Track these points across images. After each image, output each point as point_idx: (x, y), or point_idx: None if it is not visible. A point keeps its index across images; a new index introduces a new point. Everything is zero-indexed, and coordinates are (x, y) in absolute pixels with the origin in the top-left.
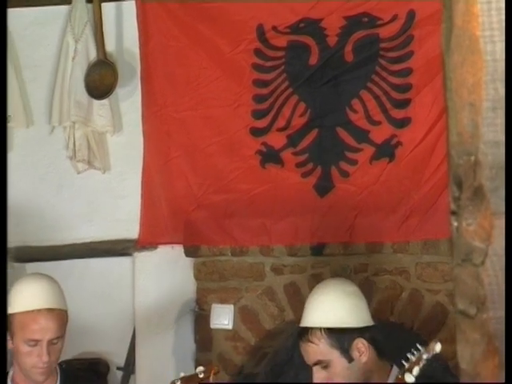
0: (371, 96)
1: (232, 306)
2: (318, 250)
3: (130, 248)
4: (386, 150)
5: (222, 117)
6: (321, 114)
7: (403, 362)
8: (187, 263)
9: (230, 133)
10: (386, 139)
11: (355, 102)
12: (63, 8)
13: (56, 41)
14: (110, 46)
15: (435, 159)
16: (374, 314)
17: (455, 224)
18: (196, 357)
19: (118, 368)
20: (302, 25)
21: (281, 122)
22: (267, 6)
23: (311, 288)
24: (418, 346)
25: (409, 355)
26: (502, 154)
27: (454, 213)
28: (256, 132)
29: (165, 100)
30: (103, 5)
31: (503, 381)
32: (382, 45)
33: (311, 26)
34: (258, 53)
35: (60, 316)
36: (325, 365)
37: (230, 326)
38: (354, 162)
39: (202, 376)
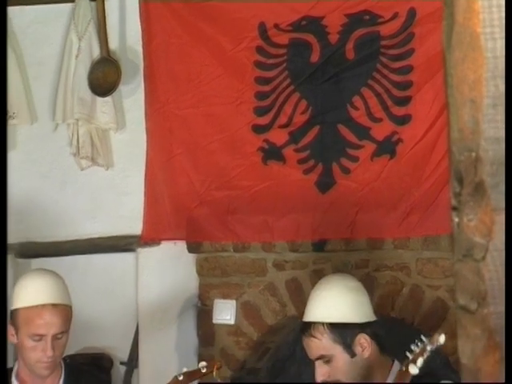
0: (372, 93)
1: (234, 302)
2: (319, 246)
3: (133, 244)
4: (387, 147)
5: (224, 114)
6: (322, 111)
7: (407, 353)
8: (190, 259)
9: (231, 130)
10: (387, 136)
11: (356, 99)
12: (67, 6)
13: (60, 39)
14: (114, 43)
15: (436, 156)
16: (375, 310)
17: (456, 220)
18: (199, 352)
19: (122, 363)
20: (303, 22)
21: (282, 119)
22: (268, 6)
23: (313, 284)
24: (422, 337)
25: (413, 346)
26: (502, 150)
27: (454, 208)
28: (258, 129)
29: (167, 97)
30: (106, 3)
31: (503, 376)
32: (383, 42)
33: (313, 24)
34: (259, 50)
35: (64, 311)
36: (327, 359)
37: (232, 322)
38: (355, 159)
39: (204, 371)
